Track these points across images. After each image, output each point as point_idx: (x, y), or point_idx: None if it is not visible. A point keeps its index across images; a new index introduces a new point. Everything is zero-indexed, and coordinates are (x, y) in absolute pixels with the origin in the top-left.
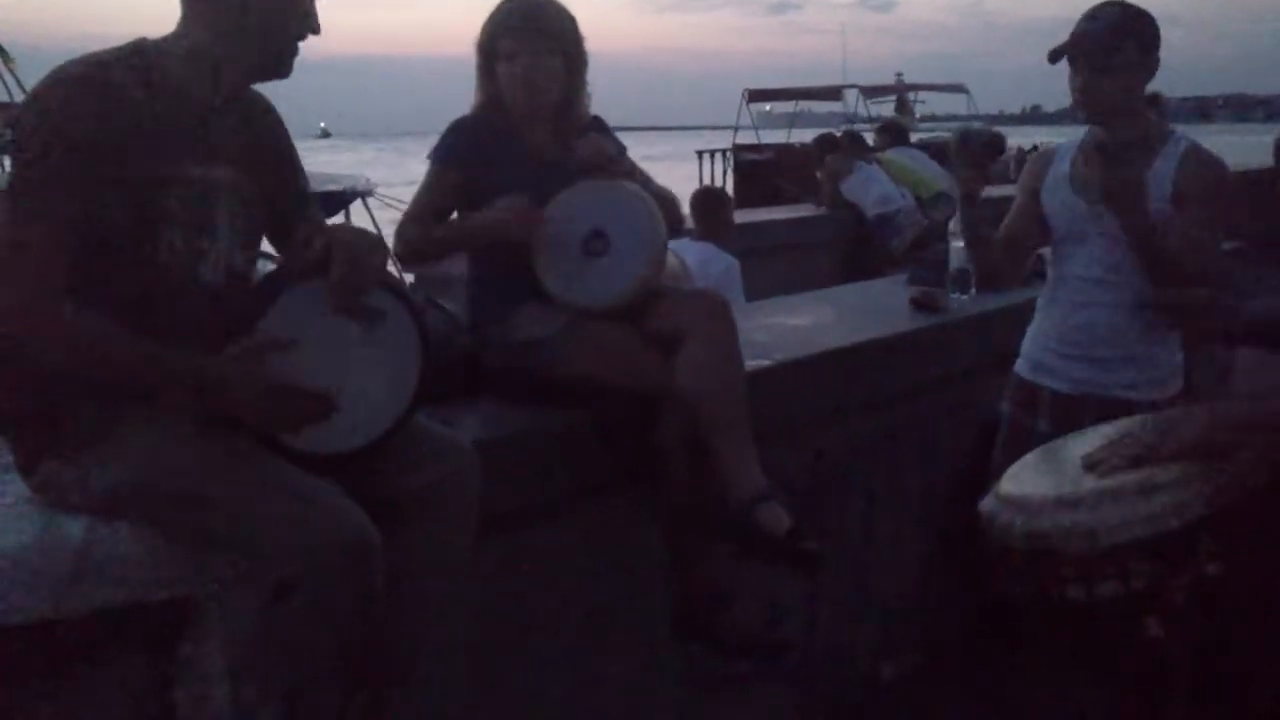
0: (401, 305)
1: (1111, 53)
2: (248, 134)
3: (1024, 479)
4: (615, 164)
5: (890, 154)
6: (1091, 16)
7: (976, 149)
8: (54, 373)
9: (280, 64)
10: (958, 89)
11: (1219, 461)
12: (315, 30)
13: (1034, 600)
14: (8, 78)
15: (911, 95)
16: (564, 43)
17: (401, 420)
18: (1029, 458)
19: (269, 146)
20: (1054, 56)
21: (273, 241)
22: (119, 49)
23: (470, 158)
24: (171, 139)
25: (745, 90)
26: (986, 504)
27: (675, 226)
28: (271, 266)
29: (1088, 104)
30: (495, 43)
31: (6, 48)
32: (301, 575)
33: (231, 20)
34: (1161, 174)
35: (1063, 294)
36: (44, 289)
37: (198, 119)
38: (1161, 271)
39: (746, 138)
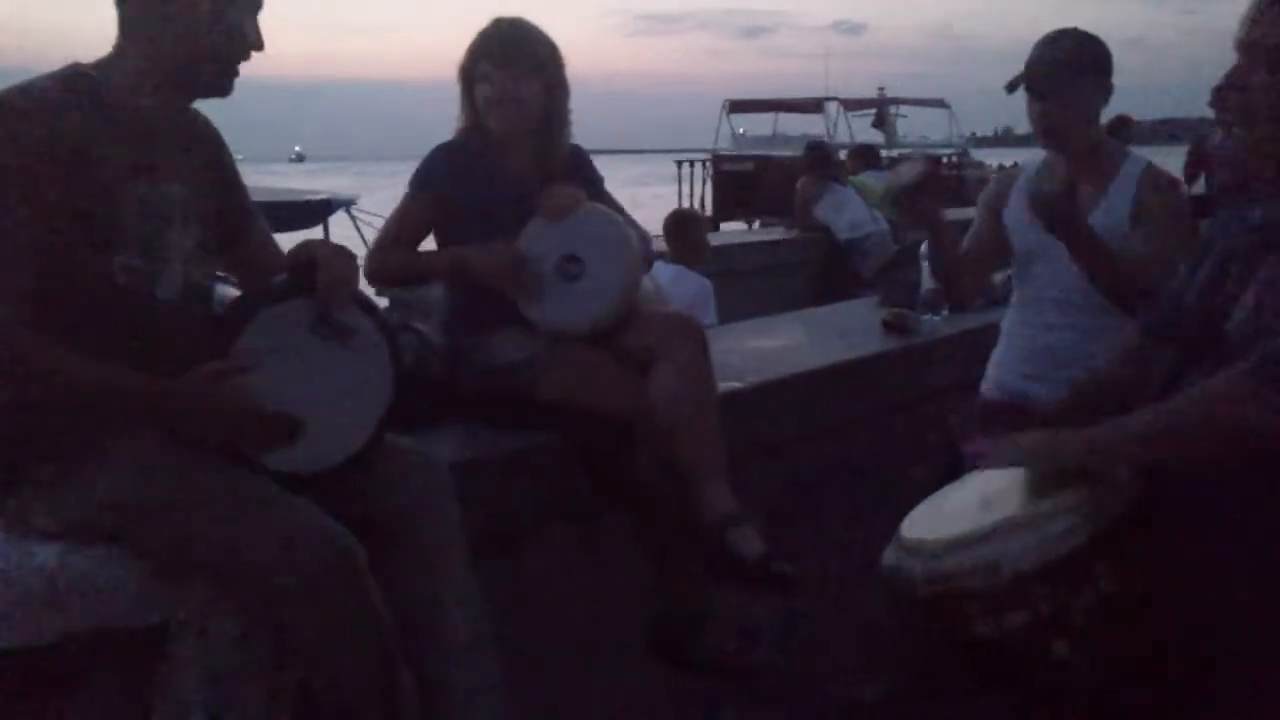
0: (372, 322)
1: (1066, 80)
2: (193, 151)
3: (920, 526)
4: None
5: (862, 177)
6: (1045, 44)
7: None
8: (20, 402)
9: (219, 84)
10: (938, 104)
11: (1098, 483)
12: (258, 47)
13: (946, 640)
14: None
15: (893, 109)
16: (543, 69)
17: (376, 437)
18: (922, 506)
19: (213, 163)
20: (1011, 86)
21: (222, 257)
22: (54, 73)
23: (448, 182)
24: (115, 158)
25: (726, 101)
26: (888, 556)
27: (646, 263)
28: (228, 287)
29: (1045, 131)
30: (475, 67)
31: None
32: (287, 595)
33: (169, 40)
34: (1119, 195)
35: (1025, 315)
36: (2, 320)
37: (141, 137)
38: (1116, 288)
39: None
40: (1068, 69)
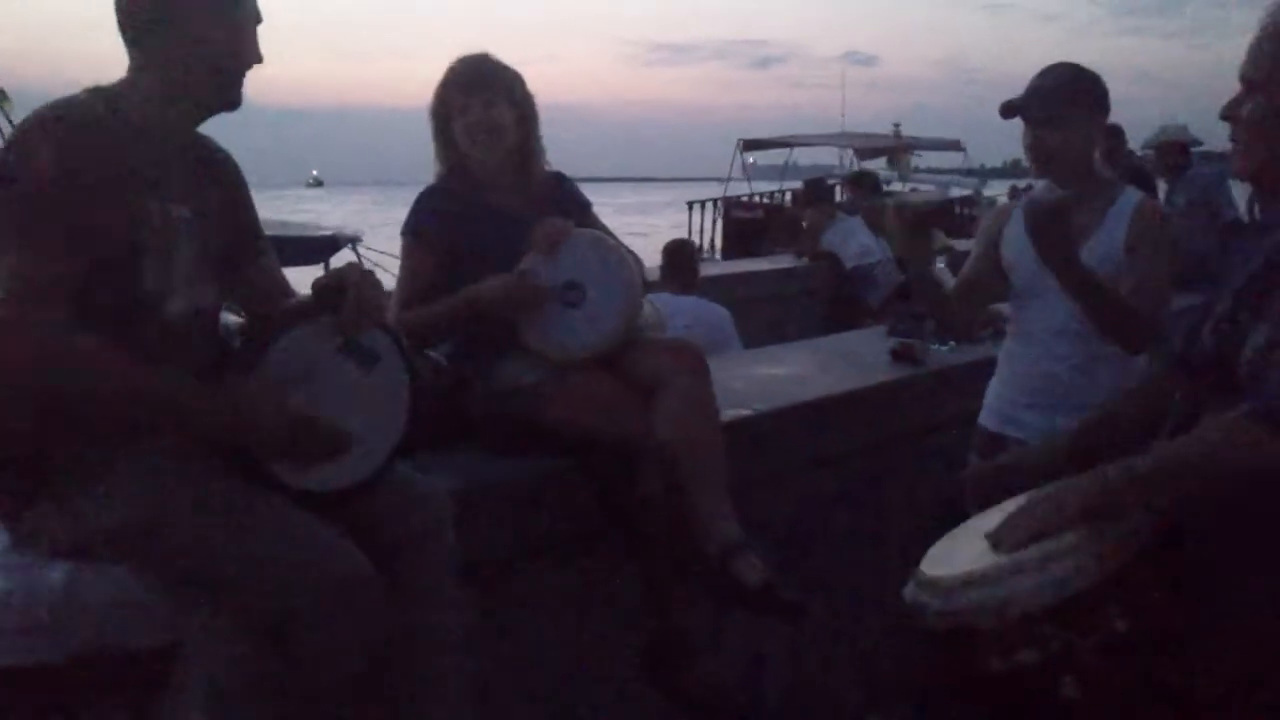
0: (394, 348)
1: (1057, 109)
2: (204, 178)
3: (939, 561)
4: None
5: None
6: (1042, 74)
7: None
8: (74, 404)
9: (233, 96)
10: (954, 145)
11: (1108, 523)
12: (257, 60)
13: (960, 675)
14: (2, 120)
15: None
16: (512, 95)
17: (390, 461)
18: (942, 541)
19: (225, 192)
20: (1006, 112)
21: (226, 284)
22: (85, 92)
23: (438, 225)
24: (136, 175)
25: (740, 140)
26: (908, 590)
27: (644, 285)
28: (232, 315)
29: (1035, 158)
30: (447, 102)
31: (8, 92)
32: (299, 614)
33: (183, 60)
34: (1113, 227)
35: (1024, 345)
36: (54, 321)
37: (155, 158)
38: (1105, 320)
39: (737, 188)
40: (1058, 96)
